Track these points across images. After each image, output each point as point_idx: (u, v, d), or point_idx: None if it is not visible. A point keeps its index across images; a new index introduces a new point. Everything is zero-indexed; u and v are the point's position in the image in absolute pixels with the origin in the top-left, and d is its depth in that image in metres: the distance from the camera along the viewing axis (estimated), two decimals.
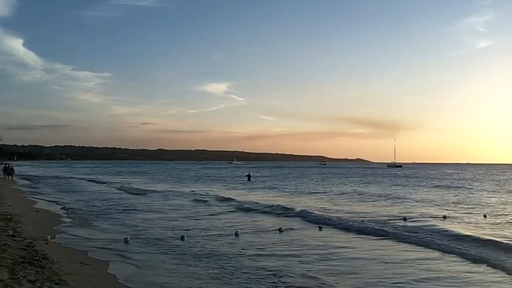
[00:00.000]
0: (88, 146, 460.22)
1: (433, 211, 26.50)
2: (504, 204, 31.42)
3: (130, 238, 16.12)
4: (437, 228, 18.12)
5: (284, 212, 25.20)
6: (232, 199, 32.59)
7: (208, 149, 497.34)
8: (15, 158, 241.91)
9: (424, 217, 23.08)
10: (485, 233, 17.61)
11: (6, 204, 25.78)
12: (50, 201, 31.29)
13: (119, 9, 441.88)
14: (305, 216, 23.09)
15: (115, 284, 10.43)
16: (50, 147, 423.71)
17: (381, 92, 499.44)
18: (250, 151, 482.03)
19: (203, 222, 21.82)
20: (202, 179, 74.28)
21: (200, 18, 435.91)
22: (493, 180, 71.99)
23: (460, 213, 25.40)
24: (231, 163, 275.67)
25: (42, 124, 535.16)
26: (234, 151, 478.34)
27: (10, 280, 9.31)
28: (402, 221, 21.33)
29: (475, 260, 12.65)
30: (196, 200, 32.86)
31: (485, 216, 23.80)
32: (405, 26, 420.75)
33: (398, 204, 31.19)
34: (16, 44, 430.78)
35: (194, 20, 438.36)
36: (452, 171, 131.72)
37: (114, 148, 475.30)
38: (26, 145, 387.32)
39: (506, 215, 24.61)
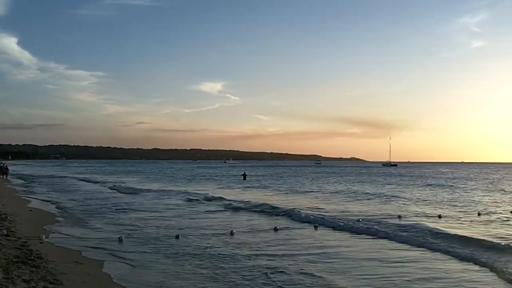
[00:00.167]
0: (82, 145, 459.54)
1: (428, 210, 26.59)
2: (497, 202, 31.60)
3: (125, 237, 16.13)
4: (432, 228, 18.16)
5: (275, 211, 25.18)
6: (224, 198, 32.41)
7: (203, 148, 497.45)
8: (9, 158, 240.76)
9: (419, 216, 23.18)
10: (480, 232, 17.74)
11: (0, 203, 25.67)
12: (44, 200, 31.19)
13: (114, 8, 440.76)
14: (295, 215, 23.08)
15: (110, 284, 10.42)
16: (44, 146, 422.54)
17: (376, 92, 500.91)
18: (245, 150, 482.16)
19: (197, 221, 21.80)
20: (196, 178, 74.13)
21: (195, 18, 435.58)
22: (487, 179, 72.26)
23: (455, 212, 25.50)
24: (226, 162, 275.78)
25: (36, 123, 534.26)
26: (229, 150, 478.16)
27: (5, 280, 9.28)
28: (397, 220, 21.37)
29: (468, 259, 12.70)
30: (189, 200, 32.77)
31: (479, 215, 24.00)
32: (400, 27, 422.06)
33: (393, 203, 31.25)
34: (10, 43, 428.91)
35: (189, 20, 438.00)
36: (446, 170, 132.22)
37: (109, 147, 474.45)
38: (20, 144, 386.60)
39: (500, 213, 24.74)
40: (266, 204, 28.34)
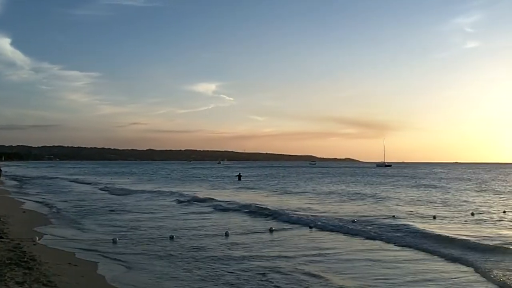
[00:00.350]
0: (76, 146, 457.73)
1: (423, 210, 26.67)
2: (489, 202, 31.76)
3: (119, 239, 16.07)
4: (426, 228, 18.27)
5: (268, 212, 25.02)
6: (218, 200, 32.23)
7: (198, 149, 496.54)
8: (3, 159, 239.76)
9: (413, 217, 23.22)
10: (474, 233, 17.83)
11: None
12: (38, 201, 31.04)
13: (108, 8, 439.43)
14: (288, 216, 23.01)
15: (104, 285, 10.37)
16: (38, 147, 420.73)
17: (370, 93, 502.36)
18: (240, 151, 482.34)
19: (191, 222, 21.73)
20: (191, 179, 74.05)
21: (189, 18, 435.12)
22: (480, 179, 72.57)
23: (449, 212, 25.59)
24: (220, 163, 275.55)
25: (30, 124, 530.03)
26: (224, 151, 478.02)
27: None
28: (392, 220, 21.36)
29: (462, 262, 12.65)
30: (181, 201, 32.67)
31: (472, 214, 24.17)
32: (395, 27, 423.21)
33: (387, 203, 31.32)
34: (3, 43, 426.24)
35: (183, 20, 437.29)
36: (440, 170, 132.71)
37: (103, 148, 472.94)
38: (13, 145, 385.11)
39: (493, 213, 24.87)
40: (260, 205, 28.35)
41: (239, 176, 70.68)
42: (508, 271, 11.37)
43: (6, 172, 75.43)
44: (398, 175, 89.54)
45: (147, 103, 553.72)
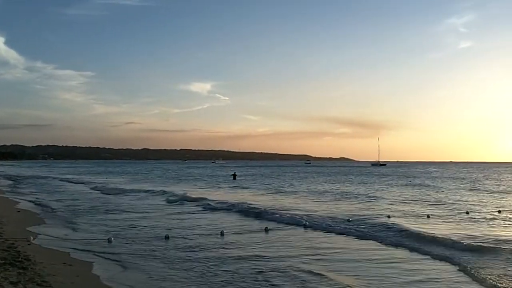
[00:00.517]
0: (71, 145, 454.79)
1: (417, 209, 26.74)
2: (483, 202, 31.89)
3: (114, 238, 16.04)
4: (420, 228, 18.33)
5: (262, 212, 24.92)
6: (213, 199, 32.16)
7: (193, 149, 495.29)
8: None
9: (408, 216, 23.28)
10: (468, 232, 17.91)
11: None
12: (32, 201, 30.95)
13: (103, 7, 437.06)
14: (283, 216, 22.96)
15: (99, 285, 10.35)
16: (32, 146, 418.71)
17: (365, 92, 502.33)
18: (235, 151, 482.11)
19: (186, 221, 21.73)
20: (186, 179, 73.95)
21: (184, 18, 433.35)
22: (474, 178, 72.88)
23: (444, 211, 25.68)
24: (215, 162, 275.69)
25: (23, 124, 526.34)
26: (219, 151, 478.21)
27: None
28: (386, 220, 21.35)
29: (450, 261, 12.69)
30: (174, 200, 32.66)
31: (467, 213, 24.32)
32: (389, 27, 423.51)
33: (382, 202, 31.38)
34: None
35: (178, 20, 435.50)
36: (435, 169, 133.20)
37: (98, 147, 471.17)
38: (7, 144, 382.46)
39: (487, 212, 24.97)
40: (253, 205, 28.41)
41: (234, 176, 70.71)
42: (496, 272, 11.39)
43: (0, 171, 75.12)
44: (393, 175, 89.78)
45: (142, 102, 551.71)
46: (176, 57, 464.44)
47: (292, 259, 13.03)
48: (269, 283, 10.57)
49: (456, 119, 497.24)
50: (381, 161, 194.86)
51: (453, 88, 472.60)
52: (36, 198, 33.77)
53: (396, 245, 15.32)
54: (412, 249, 14.59)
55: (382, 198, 35.10)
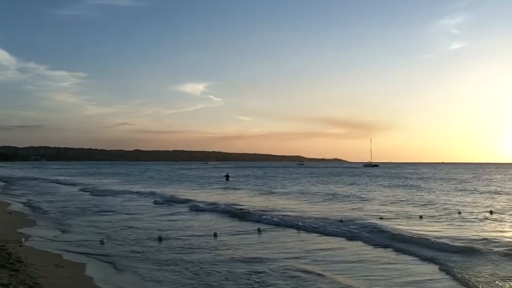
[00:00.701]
0: (63, 147, 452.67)
1: (410, 210, 26.85)
2: (475, 202, 32.09)
3: (106, 240, 16.00)
4: (413, 230, 18.35)
5: (255, 213, 24.81)
6: (200, 200, 32.12)
7: (186, 150, 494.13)
8: None
9: (400, 217, 23.35)
10: (461, 233, 18.05)
11: None
12: (24, 202, 30.81)
13: (95, 8, 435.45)
14: (274, 217, 22.89)
15: (91, 287, 10.31)
16: (24, 148, 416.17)
17: (357, 93, 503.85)
18: (228, 152, 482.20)
19: (178, 223, 21.69)
20: (178, 180, 73.77)
21: (177, 18, 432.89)
22: (465, 179, 73.24)
23: (436, 212, 25.80)
24: (208, 163, 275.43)
25: (15, 125, 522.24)
26: (212, 152, 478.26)
27: None
28: (379, 221, 21.36)
29: (436, 262, 12.72)
30: (161, 202, 32.59)
31: (459, 213, 24.60)
32: (381, 28, 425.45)
33: (375, 203, 31.50)
34: None
35: (171, 20, 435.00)
36: (427, 170, 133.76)
37: (90, 149, 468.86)
38: None
39: (479, 213, 25.13)
40: (245, 206, 28.52)
41: (227, 177, 70.67)
42: (483, 274, 11.40)
43: None
44: (385, 175, 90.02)
45: (135, 103, 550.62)
46: (169, 58, 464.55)
47: (286, 260, 13.05)
48: (264, 283, 10.59)
49: (447, 120, 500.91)
50: (374, 162, 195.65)
51: (444, 89, 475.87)
52: (28, 199, 33.61)
53: (387, 247, 15.31)
54: (400, 250, 14.55)
55: (375, 199, 35.21)
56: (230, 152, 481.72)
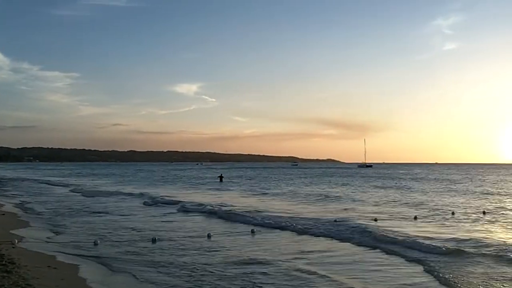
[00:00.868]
0: (56, 147, 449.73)
1: (404, 211, 26.93)
2: (469, 202, 32.22)
3: (100, 241, 15.97)
4: (408, 232, 18.31)
5: (247, 214, 24.86)
6: (199, 202, 32.13)
7: (180, 150, 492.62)
8: None
9: (395, 219, 23.36)
10: (455, 233, 18.13)
11: None
12: (17, 204, 30.71)
13: (89, 8, 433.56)
14: (268, 218, 22.91)
15: (83, 287, 10.30)
16: (17, 148, 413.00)
17: (352, 94, 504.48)
18: (222, 152, 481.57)
19: (171, 224, 21.74)
20: (172, 181, 73.64)
21: (172, 19, 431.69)
22: (458, 180, 73.53)
23: (430, 213, 25.88)
24: (202, 164, 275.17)
25: (9, 125, 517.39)
26: (206, 152, 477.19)
27: None
28: (373, 222, 21.39)
29: (423, 263, 12.79)
30: (154, 203, 32.63)
31: (453, 214, 24.74)
32: (375, 28, 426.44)
33: (369, 204, 31.61)
34: None
35: (165, 21, 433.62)
36: (420, 170, 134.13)
37: (84, 149, 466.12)
38: None
39: (472, 214, 25.27)
40: (239, 207, 28.60)
41: (221, 178, 70.57)
42: (473, 275, 11.42)
43: None
44: (379, 176, 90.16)
45: (129, 104, 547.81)
46: (163, 58, 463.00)
47: (280, 260, 13.07)
48: (259, 283, 10.63)
49: (441, 121, 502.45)
50: (367, 163, 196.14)
51: (438, 90, 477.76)
52: (21, 200, 33.51)
53: (376, 248, 15.36)
54: (390, 252, 14.56)
55: (369, 199, 35.34)
56: (224, 153, 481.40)
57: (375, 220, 22.17)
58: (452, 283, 10.78)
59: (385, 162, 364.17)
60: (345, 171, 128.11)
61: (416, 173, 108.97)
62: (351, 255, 14.35)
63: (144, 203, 32.50)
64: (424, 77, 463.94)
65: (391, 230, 18.40)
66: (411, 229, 19.02)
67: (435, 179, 76.78)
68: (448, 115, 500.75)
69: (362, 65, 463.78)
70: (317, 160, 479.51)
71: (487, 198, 36.60)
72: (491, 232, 18.63)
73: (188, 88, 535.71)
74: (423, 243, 15.35)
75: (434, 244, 15.25)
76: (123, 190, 46.51)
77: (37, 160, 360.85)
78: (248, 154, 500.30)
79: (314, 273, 11.68)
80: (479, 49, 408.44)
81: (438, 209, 27.51)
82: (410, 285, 10.79)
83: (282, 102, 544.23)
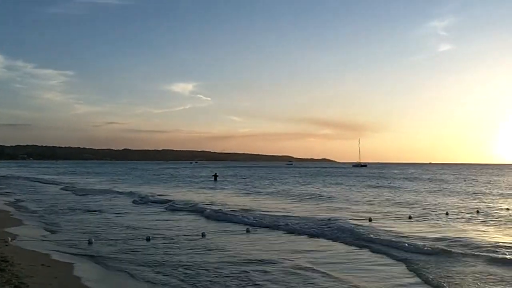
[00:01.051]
0: (51, 146, 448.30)
1: (399, 211, 26.99)
2: (462, 202, 32.35)
3: (94, 240, 15.94)
4: (404, 232, 18.40)
5: (232, 212, 24.99)
6: (194, 201, 32.20)
7: (175, 149, 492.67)
8: None
9: (389, 218, 23.37)
10: (448, 233, 18.25)
11: None
12: (10, 202, 30.59)
13: (83, 6, 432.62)
14: (260, 217, 22.92)
15: (80, 287, 10.27)
16: (11, 146, 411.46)
17: (346, 94, 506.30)
18: (217, 151, 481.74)
19: (165, 223, 21.68)
20: (166, 180, 73.47)
21: (167, 17, 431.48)
22: (452, 180, 73.82)
23: (425, 212, 26.00)
24: (197, 163, 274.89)
25: (3, 123, 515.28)
26: (201, 151, 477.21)
27: None
28: (368, 222, 21.37)
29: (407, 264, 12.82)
30: (147, 201, 32.63)
31: (447, 214, 24.86)
32: (370, 30, 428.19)
33: (364, 204, 31.68)
34: None
35: (160, 19, 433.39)
36: (414, 170, 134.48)
37: (78, 148, 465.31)
38: None
39: (465, 213, 25.40)
40: (232, 206, 28.60)
41: (215, 177, 70.52)
42: (461, 276, 11.40)
43: None
44: (373, 176, 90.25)
45: (123, 102, 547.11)
46: (158, 57, 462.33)
47: (275, 259, 13.09)
48: (254, 282, 10.66)
49: (435, 121, 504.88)
50: (362, 162, 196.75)
51: (433, 91, 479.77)
52: (14, 198, 33.38)
53: (363, 247, 15.40)
54: (378, 252, 14.58)
55: (363, 199, 35.45)
56: (219, 152, 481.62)
57: (370, 219, 22.22)
58: (438, 282, 10.80)
59: (380, 162, 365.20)
60: (340, 171, 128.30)
61: (410, 173, 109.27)
62: (344, 254, 14.40)
63: (134, 202, 32.47)
64: (420, 78, 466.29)
65: (385, 230, 18.52)
66: (405, 229, 19.07)
67: (429, 179, 77.02)
68: (442, 116, 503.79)
69: (357, 66, 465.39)
70: (312, 160, 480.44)
71: (480, 198, 36.74)
72: (483, 232, 18.71)
73: (184, 87, 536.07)
74: (410, 244, 15.38)
75: (422, 243, 15.34)
76: (114, 188, 46.48)
77: (31, 158, 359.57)
78: (243, 153, 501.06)
79: (311, 270, 11.77)
80: (474, 50, 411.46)
81: (432, 209, 27.61)
82: (399, 285, 10.80)
83: (277, 102, 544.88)
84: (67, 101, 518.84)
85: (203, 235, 17.56)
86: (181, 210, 27.18)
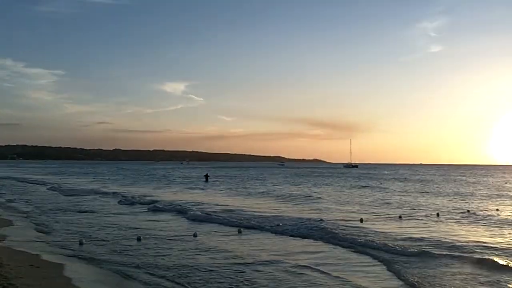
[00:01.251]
0: (41, 145, 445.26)
1: (389, 211, 27.14)
2: (452, 202, 32.59)
3: (85, 240, 15.87)
4: (394, 232, 18.55)
5: (233, 215, 24.94)
6: (188, 202, 32.29)
7: (166, 149, 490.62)
8: None
9: (380, 219, 23.48)
10: (440, 233, 18.46)
11: None
12: (0, 202, 30.36)
13: (74, 5, 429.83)
14: (248, 218, 23.01)
15: (69, 287, 10.24)
16: (0, 146, 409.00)
17: (338, 94, 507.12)
18: (208, 152, 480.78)
19: (156, 223, 21.61)
20: (158, 180, 73.18)
21: (158, 17, 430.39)
22: (441, 180, 74.30)
23: (415, 213, 26.19)
24: (186, 163, 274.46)
25: None
26: (192, 151, 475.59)
27: None
28: (359, 223, 21.46)
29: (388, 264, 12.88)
30: (137, 202, 32.49)
31: (438, 215, 24.97)
32: (361, 31, 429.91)
33: (355, 204, 31.79)
34: None
35: (152, 18, 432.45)
36: (404, 171, 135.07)
37: (69, 148, 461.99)
38: None
39: (456, 213, 25.57)
40: (223, 206, 28.67)
41: (207, 177, 70.41)
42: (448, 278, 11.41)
43: None
44: (364, 176, 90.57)
45: (114, 102, 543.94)
46: (150, 57, 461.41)
47: (266, 260, 13.12)
48: (247, 281, 10.70)
49: (427, 122, 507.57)
50: (353, 163, 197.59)
51: (424, 91, 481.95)
52: (4, 199, 33.12)
53: (348, 247, 15.49)
54: (364, 253, 14.63)
55: (354, 199, 35.58)
56: (211, 152, 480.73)
57: (361, 220, 22.29)
58: (419, 284, 10.79)
59: (371, 162, 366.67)
60: (331, 171, 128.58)
61: (401, 174, 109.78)
62: (336, 257, 14.32)
63: (119, 202, 32.37)
64: (410, 79, 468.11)
65: (375, 231, 18.60)
66: (396, 230, 19.18)
67: (419, 180, 77.42)
68: (433, 116, 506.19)
69: (348, 66, 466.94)
70: (304, 160, 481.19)
71: (470, 199, 37.01)
72: (474, 232, 18.87)
73: (175, 87, 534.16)
74: (401, 244, 15.47)
75: (408, 244, 15.49)
76: (102, 189, 46.26)
77: (21, 159, 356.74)
78: (235, 154, 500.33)
79: (303, 271, 11.79)
80: (464, 51, 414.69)
81: (422, 210, 27.79)
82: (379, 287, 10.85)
83: (269, 102, 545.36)
84: (57, 101, 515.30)
85: (194, 235, 17.52)
86: (169, 211, 26.94)
